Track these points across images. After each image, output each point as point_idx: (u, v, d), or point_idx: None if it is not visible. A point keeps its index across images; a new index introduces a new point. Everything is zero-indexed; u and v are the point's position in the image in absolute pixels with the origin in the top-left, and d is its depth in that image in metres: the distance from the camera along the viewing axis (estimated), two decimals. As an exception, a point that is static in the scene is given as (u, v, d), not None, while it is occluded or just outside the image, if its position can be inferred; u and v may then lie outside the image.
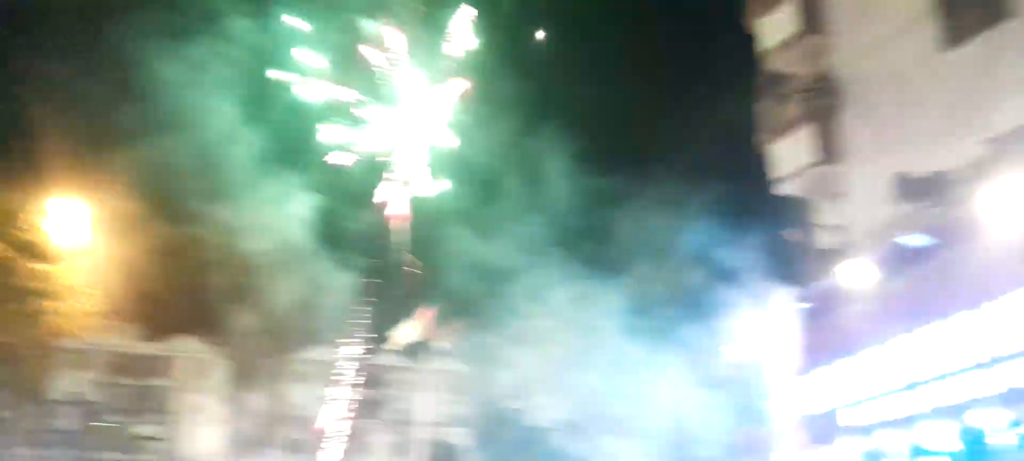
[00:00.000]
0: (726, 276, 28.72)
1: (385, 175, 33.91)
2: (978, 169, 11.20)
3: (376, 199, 33.94)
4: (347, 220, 34.85)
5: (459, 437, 52.02)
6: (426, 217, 33.58)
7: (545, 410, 53.34)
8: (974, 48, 12.85)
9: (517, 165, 36.50)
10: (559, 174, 36.75)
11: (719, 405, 58.86)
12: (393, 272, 32.17)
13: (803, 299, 16.45)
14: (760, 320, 18.89)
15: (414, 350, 35.45)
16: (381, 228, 33.21)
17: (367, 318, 33.35)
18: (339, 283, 34.74)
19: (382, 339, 30.85)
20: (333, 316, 35.51)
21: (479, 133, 35.25)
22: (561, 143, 36.00)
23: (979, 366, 11.48)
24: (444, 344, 26.43)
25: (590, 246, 39.59)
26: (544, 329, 37.82)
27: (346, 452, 38.66)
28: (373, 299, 32.62)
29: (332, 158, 32.41)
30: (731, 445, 55.59)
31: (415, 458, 28.35)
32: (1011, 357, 10.76)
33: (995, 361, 11.09)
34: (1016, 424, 12.31)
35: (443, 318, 26.79)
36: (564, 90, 37.61)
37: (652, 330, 36.61)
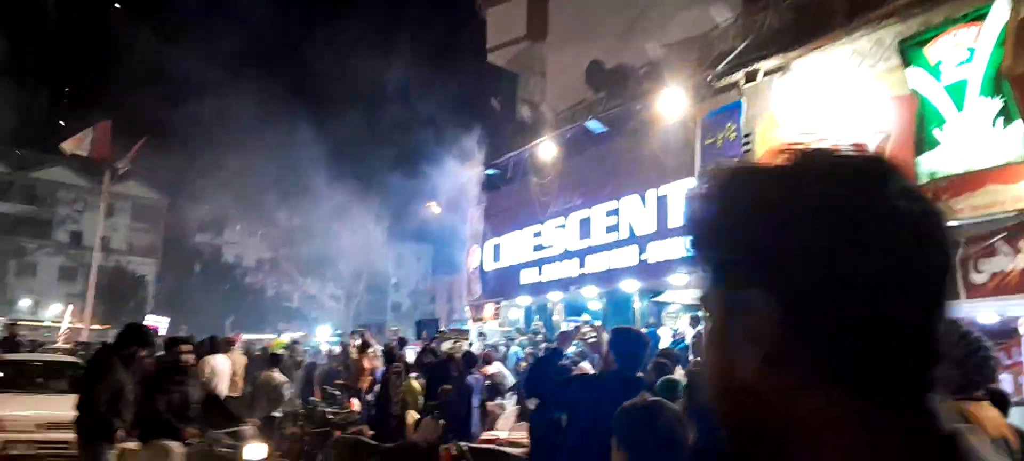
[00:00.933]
0: (431, 134, 29.59)
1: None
2: (652, 69, 12.54)
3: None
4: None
5: (143, 267, 48.55)
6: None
7: (240, 247, 51.74)
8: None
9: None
10: None
11: (415, 254, 61.41)
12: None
13: (498, 166, 17.48)
14: (458, 180, 19.77)
15: (90, 166, 31.57)
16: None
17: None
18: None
19: (49, 148, 26.84)
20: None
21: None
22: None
23: (622, 243, 13.33)
24: (124, 163, 23.79)
25: (295, 79, 37.81)
26: (243, 165, 35.94)
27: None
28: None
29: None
30: (423, 292, 58.86)
31: (88, 285, 25.70)
32: (648, 238, 12.62)
33: (636, 239, 12.94)
34: (648, 295, 14.68)
35: (126, 135, 23.98)
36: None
37: (354, 177, 36.74)
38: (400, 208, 38.88)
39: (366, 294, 46.17)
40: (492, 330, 17.76)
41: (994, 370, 3.01)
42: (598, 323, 11.83)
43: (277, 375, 10.65)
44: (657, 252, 12.41)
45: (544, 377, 3.78)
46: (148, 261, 50.11)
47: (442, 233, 41.57)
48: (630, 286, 13.76)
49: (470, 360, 9.53)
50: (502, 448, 7.65)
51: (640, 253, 12.84)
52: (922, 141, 8.06)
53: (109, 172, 24.61)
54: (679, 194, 11.97)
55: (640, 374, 3.72)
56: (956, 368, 2.11)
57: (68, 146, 22.54)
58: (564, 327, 16.91)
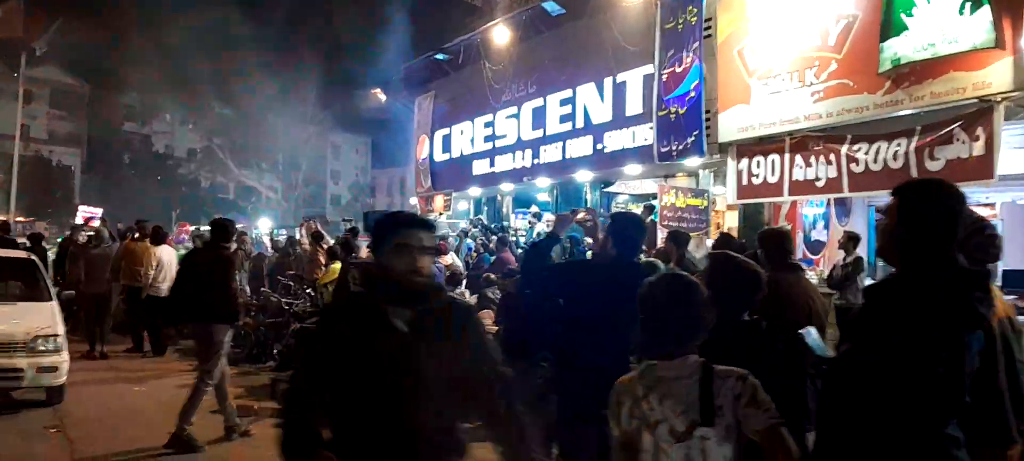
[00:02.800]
0: (375, 14, 28.27)
1: None
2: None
3: None
4: None
5: (66, 158, 46.15)
6: None
7: (170, 137, 49.54)
8: None
9: None
10: None
11: (353, 146, 60.05)
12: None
13: (449, 51, 16.88)
14: (403, 66, 19.08)
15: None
16: None
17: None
18: None
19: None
20: None
21: None
22: None
23: (578, 132, 13.17)
24: (40, 44, 22.12)
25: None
26: (170, 48, 33.85)
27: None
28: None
29: None
30: (363, 185, 57.96)
31: (7, 177, 24.30)
32: (604, 127, 12.49)
33: (591, 128, 12.79)
34: (599, 185, 14.68)
35: (38, 14, 22.22)
36: None
37: (290, 61, 35.14)
38: (339, 97, 37.58)
39: (304, 186, 45.13)
40: (440, 222, 17.58)
41: (1000, 249, 3.00)
42: (593, 208, 11.78)
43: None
44: (613, 141, 12.32)
45: (539, 265, 3.63)
46: (71, 151, 47.63)
47: (383, 124, 40.53)
48: (583, 176, 13.73)
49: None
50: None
51: (595, 143, 12.73)
52: (889, 25, 8.01)
53: (25, 54, 22.90)
54: (637, 82, 11.80)
55: (640, 259, 3.63)
56: (960, 248, 2.08)
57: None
58: (514, 220, 16.96)
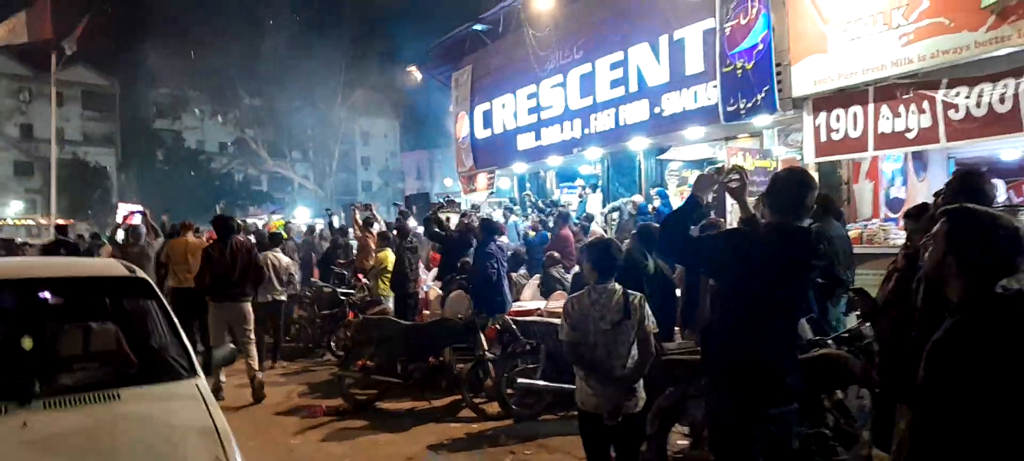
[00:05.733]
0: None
1: None
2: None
3: None
4: None
5: (102, 157, 46.39)
6: None
7: (202, 132, 49.52)
8: None
9: None
10: None
11: (381, 131, 59.71)
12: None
13: (488, 20, 16.22)
14: (443, 43, 18.44)
15: (32, 53, 29.34)
16: None
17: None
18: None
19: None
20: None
21: None
22: None
23: (631, 97, 12.45)
24: (70, 44, 21.90)
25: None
26: (197, 41, 33.52)
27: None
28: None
29: None
30: (393, 170, 57.65)
31: (45, 179, 24.22)
32: (661, 88, 11.76)
33: (647, 92, 12.07)
34: (654, 153, 13.98)
35: (64, 17, 21.96)
36: None
37: (317, 49, 34.62)
38: (370, 79, 36.99)
39: (337, 173, 44.88)
40: (481, 202, 17.00)
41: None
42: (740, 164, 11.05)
43: (283, 256, 9.81)
44: (672, 104, 11.61)
45: (681, 237, 3.04)
46: (106, 151, 47.86)
47: (415, 105, 40.00)
48: (638, 144, 13.03)
49: (491, 228, 8.80)
50: (546, 319, 7.09)
51: (652, 107, 12.02)
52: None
53: (55, 55, 22.68)
54: (696, 37, 11.06)
55: (806, 224, 3.03)
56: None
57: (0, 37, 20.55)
58: (561, 195, 16.32)
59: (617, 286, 3.96)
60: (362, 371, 7.25)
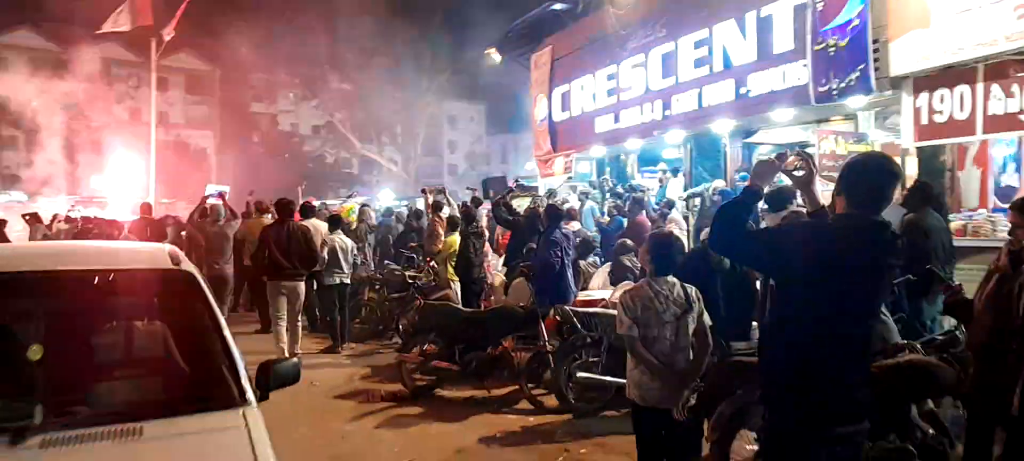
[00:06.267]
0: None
1: None
2: None
3: None
4: None
5: (202, 140, 48.59)
6: None
7: (295, 115, 51.10)
8: None
9: None
10: None
11: (468, 114, 60.04)
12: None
13: (567, 1, 15.81)
14: (523, 23, 18.12)
15: (139, 41, 30.86)
16: None
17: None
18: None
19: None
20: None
21: None
22: None
23: (716, 77, 11.83)
24: (169, 30, 22.82)
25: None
26: (293, 27, 34.47)
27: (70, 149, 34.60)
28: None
29: None
30: (479, 153, 57.88)
31: (151, 161, 25.39)
32: (747, 68, 11.11)
33: (732, 71, 11.44)
34: (739, 134, 13.28)
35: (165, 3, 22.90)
36: None
37: (405, 33, 34.94)
38: (454, 62, 37.19)
39: (423, 157, 45.43)
40: (559, 185, 16.63)
41: None
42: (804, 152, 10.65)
43: (347, 239, 9.81)
44: (759, 84, 10.94)
45: (739, 229, 2.67)
46: (206, 134, 50.08)
47: (498, 88, 39.91)
48: (722, 127, 12.40)
49: (556, 215, 8.50)
50: (607, 310, 6.75)
51: (738, 88, 11.38)
52: None
53: (155, 41, 23.69)
54: (786, 13, 10.36)
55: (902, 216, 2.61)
56: None
57: (106, 26, 21.69)
58: (641, 179, 15.79)
59: (673, 278, 4.02)
60: (422, 357, 7.13)
